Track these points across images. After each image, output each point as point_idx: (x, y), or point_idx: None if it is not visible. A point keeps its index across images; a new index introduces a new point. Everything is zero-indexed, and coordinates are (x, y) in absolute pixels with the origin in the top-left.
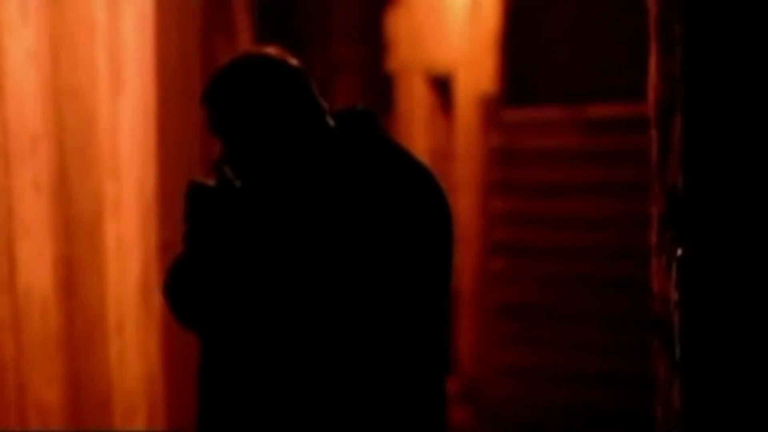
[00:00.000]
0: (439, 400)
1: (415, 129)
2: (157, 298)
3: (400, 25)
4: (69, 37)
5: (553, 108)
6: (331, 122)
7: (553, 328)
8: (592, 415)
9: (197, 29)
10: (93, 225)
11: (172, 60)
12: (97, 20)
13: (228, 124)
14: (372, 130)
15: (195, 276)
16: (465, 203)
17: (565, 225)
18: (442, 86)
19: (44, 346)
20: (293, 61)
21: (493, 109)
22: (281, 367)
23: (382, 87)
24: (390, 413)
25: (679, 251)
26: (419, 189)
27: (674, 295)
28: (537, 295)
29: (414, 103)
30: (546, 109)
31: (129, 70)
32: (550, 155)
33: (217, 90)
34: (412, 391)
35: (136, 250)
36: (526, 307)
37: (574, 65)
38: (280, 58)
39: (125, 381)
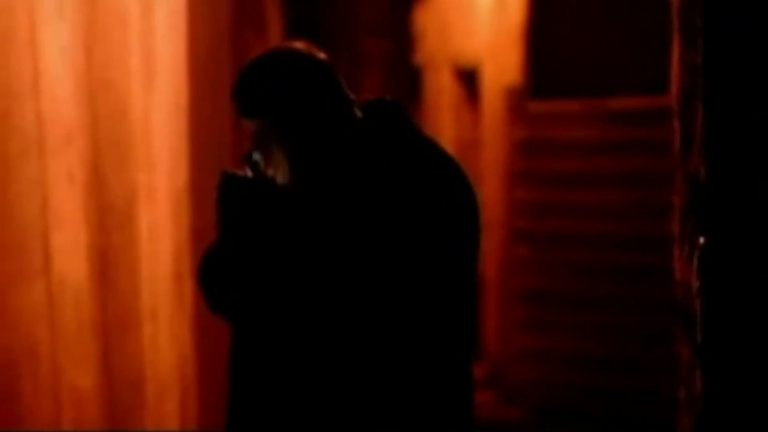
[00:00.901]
0: (467, 383)
1: (442, 120)
2: (189, 285)
3: (426, 18)
4: (102, 32)
5: (576, 101)
6: (359, 114)
7: (574, 313)
8: (611, 398)
9: (228, 24)
10: (126, 214)
11: (203, 54)
12: (130, 16)
13: (255, 118)
14: (400, 121)
15: (227, 265)
16: (490, 192)
17: (586, 214)
18: (468, 78)
19: (78, 333)
20: (321, 55)
21: (518, 100)
22: (311, 353)
23: (409, 80)
24: (420, 397)
25: (702, 240)
26: (447, 180)
27: (696, 283)
28: (559, 282)
29: (441, 95)
30: (569, 101)
31: (161, 64)
32: (573, 146)
33: (244, 83)
34: (442, 375)
35: (168, 238)
36: (548, 293)
37: (597, 58)
38: (308, 52)
39: (157, 365)
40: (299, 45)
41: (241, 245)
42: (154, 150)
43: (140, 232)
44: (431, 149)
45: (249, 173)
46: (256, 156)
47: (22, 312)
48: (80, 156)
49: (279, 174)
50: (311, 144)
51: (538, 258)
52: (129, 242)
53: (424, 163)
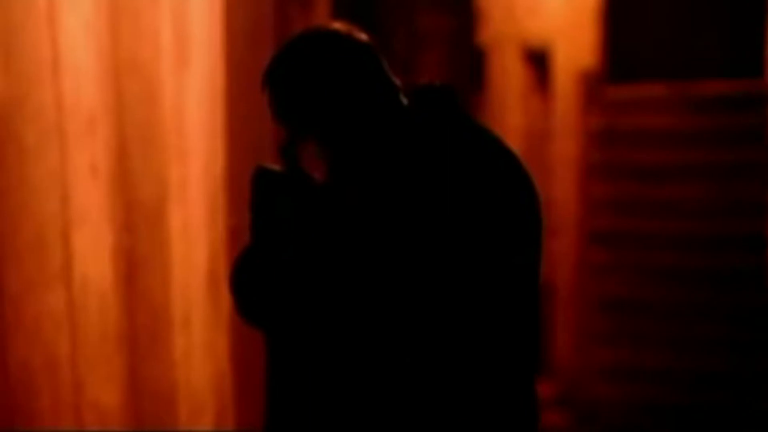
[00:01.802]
0: (530, 402)
1: (509, 107)
2: (226, 290)
3: None
4: (130, 6)
5: (658, 85)
6: (405, 102)
7: (658, 323)
8: (701, 418)
9: None
10: (156, 211)
11: (242, 31)
12: None
13: (290, 109)
14: (451, 109)
15: (260, 270)
16: (562, 188)
17: (670, 211)
18: (538, 61)
19: (102, 343)
20: (362, 36)
21: (594, 85)
22: (355, 367)
23: (472, 62)
24: (477, 419)
25: None
26: (504, 175)
27: None
28: (640, 289)
29: (508, 80)
30: (650, 86)
31: (195, 42)
32: (655, 136)
33: (276, 72)
34: (501, 394)
35: (202, 238)
36: (629, 301)
37: (680, 39)
38: (346, 34)
39: (191, 380)
40: (338, 26)
41: (276, 247)
42: (186, 139)
43: (171, 231)
44: (486, 140)
45: (285, 168)
46: (292, 148)
47: (40, 320)
48: (104, 145)
49: (317, 169)
50: (350, 137)
51: (617, 262)
52: (159, 242)
53: (478, 156)
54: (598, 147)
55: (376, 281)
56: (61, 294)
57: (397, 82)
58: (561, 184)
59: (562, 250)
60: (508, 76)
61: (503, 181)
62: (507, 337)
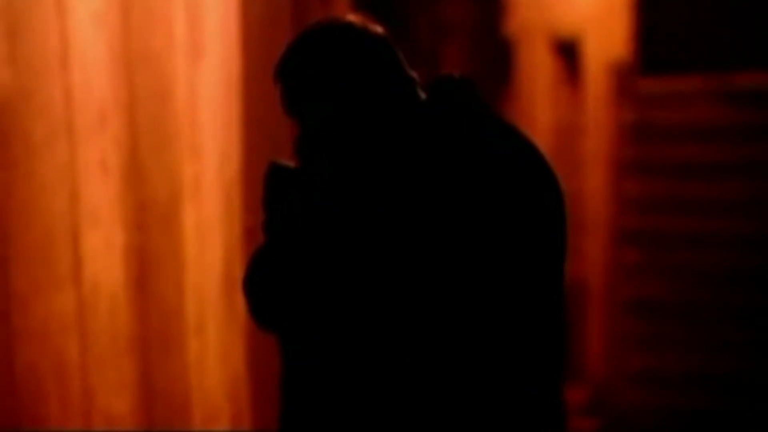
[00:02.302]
0: (556, 408)
1: (537, 101)
2: (241, 292)
3: None
4: None
5: (694, 77)
6: (423, 95)
7: (692, 327)
8: (737, 425)
9: None
10: (169, 210)
11: (259, 21)
12: None
13: (301, 102)
14: (470, 101)
15: (273, 273)
16: (593, 185)
17: (708, 210)
18: (568, 52)
19: (113, 348)
20: (377, 29)
21: (627, 78)
22: (374, 371)
23: (498, 53)
24: (500, 423)
25: None
26: (525, 169)
27: None
28: (675, 291)
29: (536, 72)
30: (685, 78)
31: (210, 33)
32: (691, 131)
33: (288, 65)
34: (525, 398)
35: (217, 237)
36: (663, 303)
37: (717, 28)
38: (361, 26)
39: (205, 385)
40: (352, 18)
41: (288, 248)
42: (201, 134)
43: (185, 230)
44: (506, 134)
45: (300, 164)
46: (306, 143)
47: (48, 323)
48: (115, 141)
49: (330, 165)
50: (364, 133)
51: (650, 262)
52: (172, 242)
53: (499, 151)
54: (631, 142)
55: (391, 280)
56: (70, 296)
57: (414, 75)
58: (591, 181)
59: (592, 249)
60: (536, 68)
61: (524, 176)
62: (530, 341)
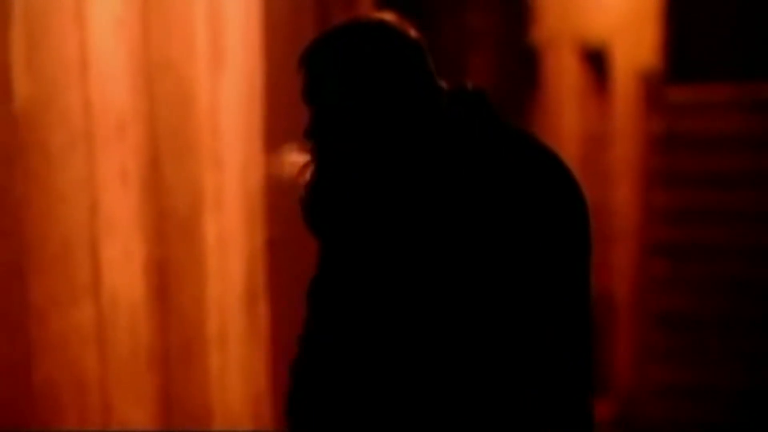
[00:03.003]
0: (584, 422)
1: (565, 110)
2: (263, 306)
3: None
4: (162, 2)
5: (724, 86)
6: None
7: (723, 340)
8: None
9: None
10: (190, 221)
11: (282, 28)
12: None
13: (322, 94)
14: (484, 113)
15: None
16: (621, 196)
17: (738, 221)
18: (595, 60)
19: (133, 361)
20: (411, 32)
21: (656, 86)
22: (392, 379)
23: (524, 61)
24: None
25: None
26: (546, 181)
27: None
28: (705, 303)
29: (563, 80)
30: (715, 87)
31: (231, 40)
32: (722, 140)
33: (315, 53)
34: (552, 412)
35: (239, 249)
36: (693, 316)
37: (748, 36)
38: (398, 27)
39: (227, 401)
40: (388, 17)
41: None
42: (222, 144)
43: (206, 242)
44: (523, 145)
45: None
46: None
47: (68, 336)
48: (135, 151)
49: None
50: (379, 134)
51: (679, 275)
52: (193, 254)
53: (518, 161)
54: (660, 152)
55: (408, 289)
56: (90, 309)
57: (442, 84)
58: (619, 191)
59: (620, 261)
60: (563, 76)
61: (544, 187)
62: (555, 353)
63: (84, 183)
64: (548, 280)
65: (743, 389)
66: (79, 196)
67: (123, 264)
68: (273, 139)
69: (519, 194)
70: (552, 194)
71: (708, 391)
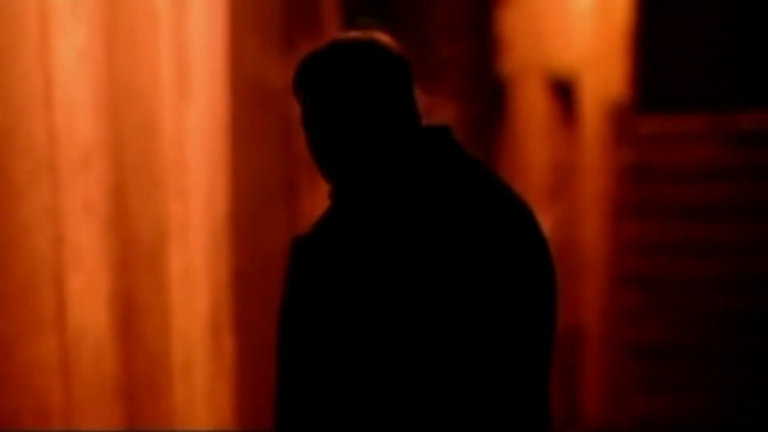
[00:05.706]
0: None
1: (533, 141)
2: (228, 337)
3: (515, 19)
4: (127, 33)
5: (694, 117)
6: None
7: (695, 370)
8: None
9: (277, 26)
10: (154, 252)
11: (247, 61)
12: (160, 13)
13: (315, 115)
14: (451, 150)
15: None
16: (591, 228)
17: (709, 253)
18: (564, 91)
19: (98, 393)
20: (401, 53)
21: (624, 117)
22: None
23: (492, 92)
24: None
25: None
26: (502, 219)
27: None
28: (676, 334)
29: (531, 111)
30: (685, 118)
31: (197, 71)
32: (692, 172)
33: (306, 74)
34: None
35: (204, 281)
36: (664, 347)
37: (718, 67)
38: (388, 47)
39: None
40: (379, 35)
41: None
42: (188, 175)
43: (171, 273)
44: (482, 183)
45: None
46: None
47: (32, 369)
48: (100, 182)
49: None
50: (352, 165)
51: (649, 306)
52: (158, 286)
53: (477, 198)
54: (629, 183)
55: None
56: (54, 340)
57: (417, 110)
58: (588, 223)
59: (590, 292)
60: (531, 107)
61: (501, 226)
62: (508, 404)
63: (48, 213)
64: (507, 326)
65: (716, 419)
66: (44, 226)
67: (87, 295)
68: (238, 171)
69: (476, 234)
70: (507, 233)
71: (679, 422)
